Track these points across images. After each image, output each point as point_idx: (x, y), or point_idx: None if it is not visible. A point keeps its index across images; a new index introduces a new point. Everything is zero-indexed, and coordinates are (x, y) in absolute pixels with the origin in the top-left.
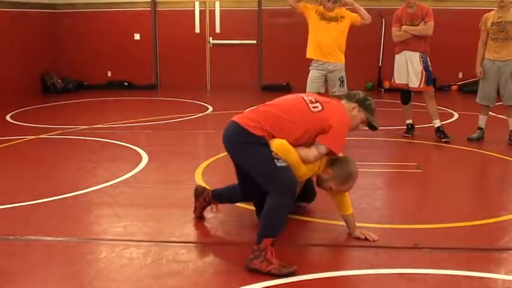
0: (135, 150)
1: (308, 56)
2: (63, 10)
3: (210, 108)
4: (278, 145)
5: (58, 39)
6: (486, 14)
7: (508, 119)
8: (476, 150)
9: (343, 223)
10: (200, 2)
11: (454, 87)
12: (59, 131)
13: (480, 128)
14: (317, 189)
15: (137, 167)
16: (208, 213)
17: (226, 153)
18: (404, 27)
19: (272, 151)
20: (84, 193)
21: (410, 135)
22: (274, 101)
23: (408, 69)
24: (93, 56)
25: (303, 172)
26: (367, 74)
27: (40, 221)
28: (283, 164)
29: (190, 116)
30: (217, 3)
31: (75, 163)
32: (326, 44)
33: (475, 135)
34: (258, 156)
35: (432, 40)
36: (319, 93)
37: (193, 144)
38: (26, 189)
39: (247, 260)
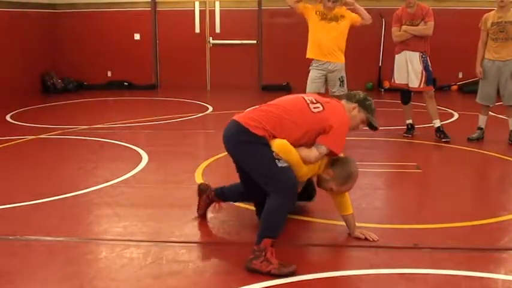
0: (135, 150)
1: (308, 56)
2: (63, 10)
3: (210, 108)
4: (279, 145)
5: (58, 39)
6: (486, 14)
7: (508, 119)
8: (476, 150)
9: (343, 223)
10: (200, 2)
11: (454, 87)
12: (59, 131)
13: (480, 128)
14: (317, 188)
15: (137, 167)
16: (208, 213)
17: (226, 153)
18: (404, 27)
19: (273, 151)
20: (84, 193)
21: (410, 135)
22: (274, 101)
23: (408, 69)
24: (93, 56)
25: (304, 172)
26: (367, 74)
27: (40, 221)
28: (284, 165)
29: (190, 116)
30: (217, 3)
31: (75, 163)
32: (326, 44)
33: (475, 135)
34: (259, 157)
35: (432, 40)
36: (319, 93)
37: (193, 144)
38: (26, 189)
39: (247, 260)
